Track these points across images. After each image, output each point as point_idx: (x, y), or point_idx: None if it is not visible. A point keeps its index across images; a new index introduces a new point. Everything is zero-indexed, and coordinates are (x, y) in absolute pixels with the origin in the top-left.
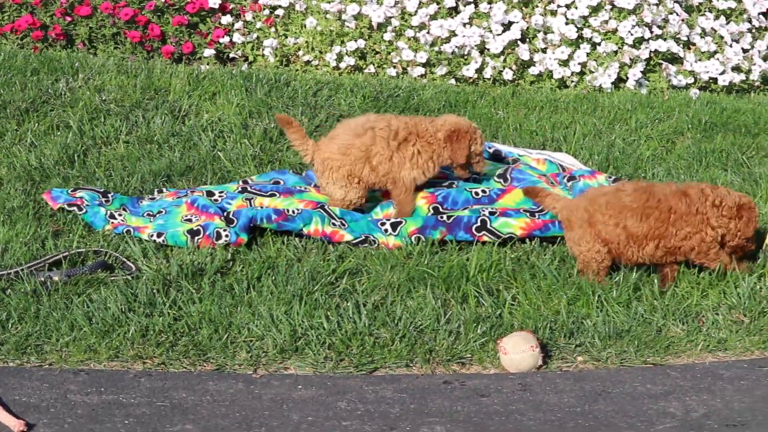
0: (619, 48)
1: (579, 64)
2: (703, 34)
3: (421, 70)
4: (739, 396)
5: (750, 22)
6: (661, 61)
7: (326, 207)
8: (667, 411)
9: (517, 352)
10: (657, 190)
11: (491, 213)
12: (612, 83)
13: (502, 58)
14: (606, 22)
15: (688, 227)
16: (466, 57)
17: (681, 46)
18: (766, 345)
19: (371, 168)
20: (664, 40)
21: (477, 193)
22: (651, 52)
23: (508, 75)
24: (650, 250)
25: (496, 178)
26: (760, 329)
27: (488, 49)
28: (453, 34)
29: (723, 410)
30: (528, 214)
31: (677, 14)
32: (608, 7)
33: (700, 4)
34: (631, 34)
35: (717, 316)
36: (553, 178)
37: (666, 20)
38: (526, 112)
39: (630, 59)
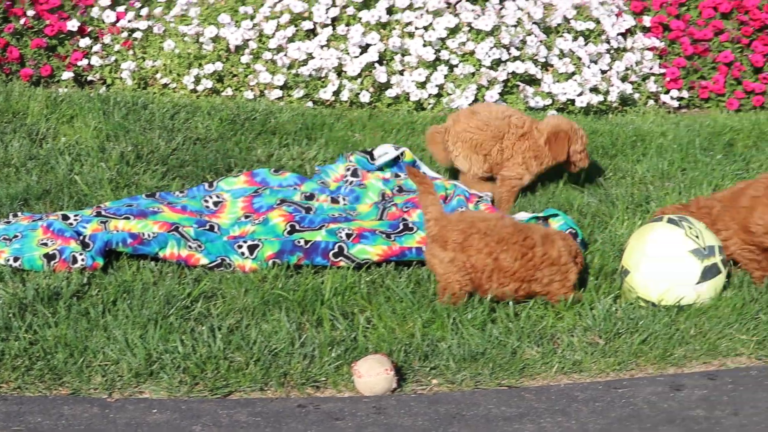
0: (477, 70)
1: (436, 86)
2: (561, 55)
3: (278, 93)
4: (594, 417)
5: (608, 42)
6: (518, 83)
7: (181, 229)
8: None
9: (372, 375)
10: (532, 232)
11: (348, 236)
12: (469, 105)
13: (359, 80)
14: (463, 44)
15: (555, 276)
16: (323, 79)
17: (539, 67)
18: (621, 367)
19: (500, 149)
20: (522, 61)
21: (334, 215)
22: (509, 73)
23: (365, 97)
24: (511, 290)
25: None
26: (615, 351)
27: (345, 72)
28: (310, 56)
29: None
30: (384, 236)
31: (535, 35)
32: (466, 29)
33: (559, 25)
34: (489, 56)
35: (572, 337)
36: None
37: (524, 42)
38: (382, 135)
39: (488, 81)
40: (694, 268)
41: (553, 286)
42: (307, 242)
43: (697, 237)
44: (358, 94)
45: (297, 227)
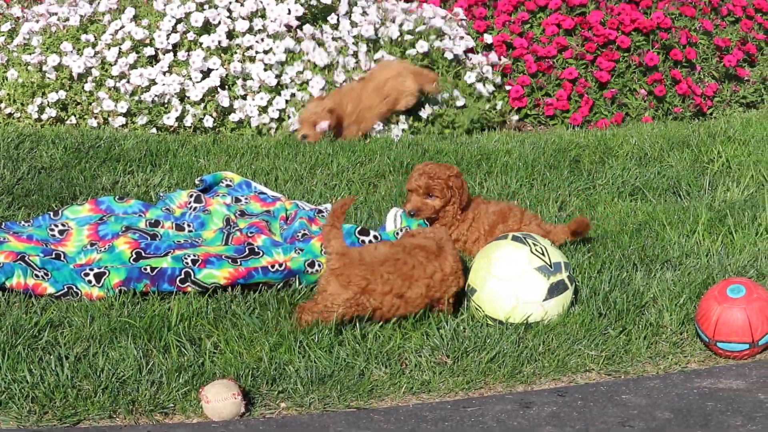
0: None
1: (278, 110)
2: None
3: (122, 120)
4: None
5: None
6: None
7: (27, 258)
8: None
9: (219, 400)
10: (430, 256)
11: (194, 261)
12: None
13: (202, 105)
14: (301, 72)
15: (452, 286)
16: (166, 105)
17: None
18: (469, 386)
19: None
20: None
21: (179, 242)
22: None
23: (208, 122)
24: (413, 311)
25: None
26: (463, 370)
27: (188, 97)
28: (153, 82)
29: None
30: (230, 260)
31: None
32: (306, 57)
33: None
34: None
35: (420, 357)
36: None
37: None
38: (227, 160)
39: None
40: (540, 285)
41: (450, 292)
42: (153, 269)
43: (542, 254)
44: (202, 119)
45: (143, 254)
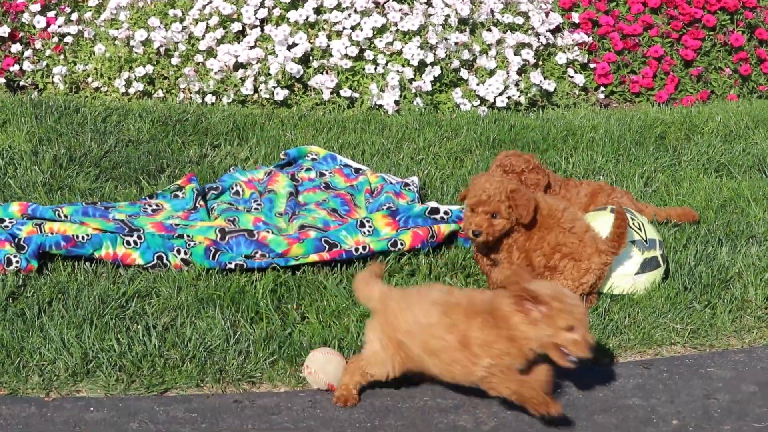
0: (404, 66)
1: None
2: (487, 49)
3: (211, 98)
4: None
5: (537, 37)
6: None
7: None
8: (458, 425)
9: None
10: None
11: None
12: (395, 101)
13: (278, 78)
14: (390, 43)
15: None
16: (244, 79)
17: (466, 67)
18: None
19: None
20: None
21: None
22: (434, 77)
23: (279, 96)
24: None
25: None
26: None
27: (270, 74)
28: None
29: (513, 421)
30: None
31: (460, 33)
32: (393, 29)
33: (485, 20)
34: (416, 56)
35: None
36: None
37: (447, 39)
38: (313, 134)
39: (415, 91)
40: (634, 259)
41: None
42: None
43: (639, 229)
44: (278, 89)
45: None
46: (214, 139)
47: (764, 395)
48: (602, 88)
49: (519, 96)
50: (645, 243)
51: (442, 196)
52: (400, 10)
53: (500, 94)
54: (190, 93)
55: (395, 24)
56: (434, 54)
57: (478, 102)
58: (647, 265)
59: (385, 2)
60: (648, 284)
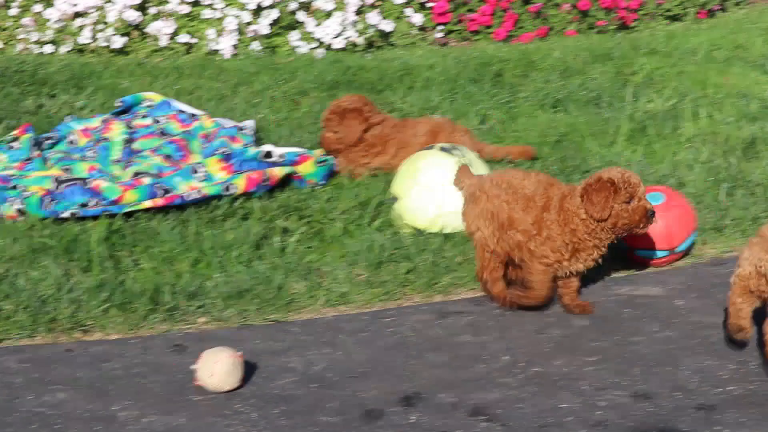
0: (241, 11)
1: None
2: None
3: (50, 48)
4: (361, 347)
5: None
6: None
7: None
8: (287, 366)
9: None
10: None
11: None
12: (233, 45)
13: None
14: None
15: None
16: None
17: (303, 9)
18: (387, 297)
19: None
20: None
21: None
22: (272, 21)
23: (117, 44)
24: None
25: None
26: (381, 282)
27: (107, 22)
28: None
29: (344, 362)
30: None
31: None
32: None
33: None
34: (249, 2)
35: (338, 270)
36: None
37: None
38: (150, 81)
39: (252, 35)
40: None
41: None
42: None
43: (469, 166)
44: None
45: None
46: (51, 89)
47: (596, 328)
48: (440, 27)
49: (357, 37)
50: None
51: (278, 139)
52: None
53: (337, 35)
54: (28, 43)
55: None
56: None
57: (316, 44)
58: None
59: None
60: None
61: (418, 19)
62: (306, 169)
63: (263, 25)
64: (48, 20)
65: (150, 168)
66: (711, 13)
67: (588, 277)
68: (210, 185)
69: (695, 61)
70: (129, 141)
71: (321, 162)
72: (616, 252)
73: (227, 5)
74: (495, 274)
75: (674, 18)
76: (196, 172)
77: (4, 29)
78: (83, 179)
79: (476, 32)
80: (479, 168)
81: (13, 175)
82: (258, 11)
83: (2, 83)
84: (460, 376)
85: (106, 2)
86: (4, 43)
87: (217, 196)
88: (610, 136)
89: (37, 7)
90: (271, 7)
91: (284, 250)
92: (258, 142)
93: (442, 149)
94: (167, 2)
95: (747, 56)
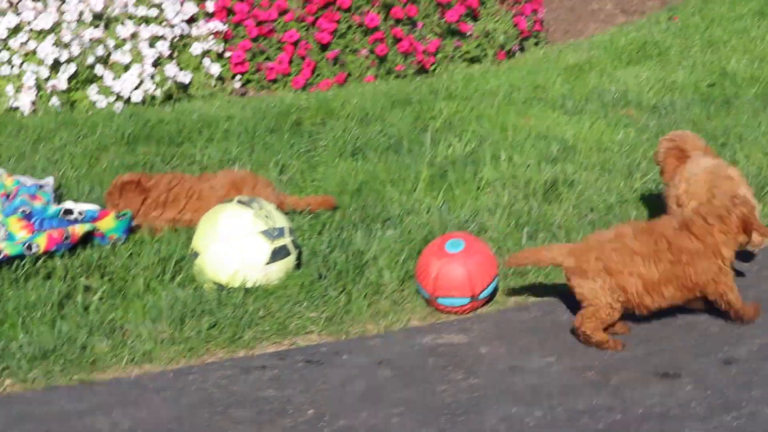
0: (39, 66)
1: None
2: (122, 43)
3: None
4: (166, 406)
5: (172, 28)
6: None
7: None
8: (95, 427)
9: None
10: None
11: None
12: (32, 102)
13: None
14: (25, 43)
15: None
16: None
17: (101, 63)
18: (191, 353)
19: None
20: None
21: None
22: (70, 76)
23: None
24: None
25: None
26: (185, 338)
27: None
28: None
29: (150, 421)
30: None
31: (94, 29)
32: (27, 28)
33: (120, 15)
34: (50, 55)
35: (141, 328)
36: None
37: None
38: None
39: (51, 90)
40: (263, 249)
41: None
42: None
43: (266, 218)
44: None
45: None
46: None
47: (400, 380)
48: (238, 77)
49: (155, 89)
50: (273, 232)
51: (79, 196)
52: (34, 8)
53: (136, 88)
54: None
55: (29, 23)
56: (69, 52)
57: (115, 98)
58: (278, 254)
59: (18, 1)
60: (281, 273)
61: (215, 69)
62: (106, 224)
63: (62, 81)
64: None
65: None
66: (510, 54)
67: (390, 327)
68: (11, 245)
69: (495, 104)
70: None
71: (120, 216)
72: (418, 301)
73: (24, 61)
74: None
75: (473, 60)
76: None
77: None
78: None
79: (275, 81)
80: (279, 220)
81: None
82: (56, 66)
83: None
84: (265, 431)
85: None
86: None
87: (20, 255)
88: (410, 182)
89: None
90: (68, 61)
91: (87, 309)
92: (59, 199)
93: (240, 202)
94: None
95: (546, 97)
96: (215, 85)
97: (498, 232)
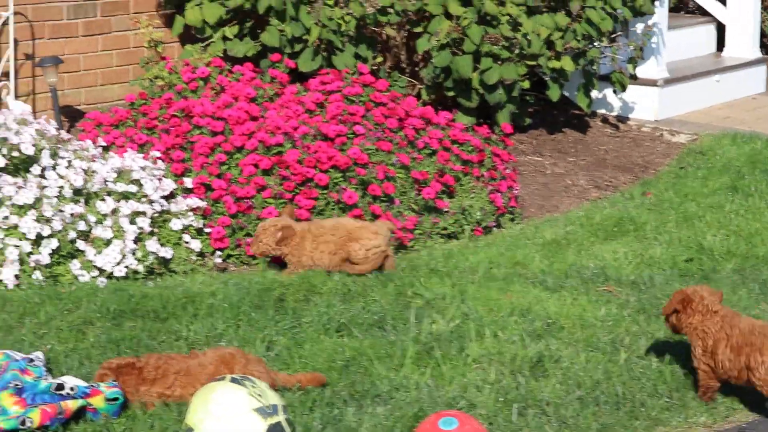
0: (21, 240)
1: None
2: (102, 219)
3: None
4: None
5: (151, 204)
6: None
7: None
8: None
9: None
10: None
11: None
12: (15, 275)
13: None
14: (6, 218)
15: None
16: None
17: (82, 238)
18: None
19: None
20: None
21: None
22: (52, 250)
23: None
24: None
25: None
26: None
27: None
28: None
29: None
30: None
31: (75, 204)
32: (9, 203)
33: (98, 191)
34: (33, 230)
35: None
36: None
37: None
38: None
39: (35, 265)
40: (258, 427)
41: None
42: None
43: (260, 396)
44: None
45: None
46: None
47: None
48: (219, 252)
49: (137, 264)
50: (267, 409)
51: (66, 370)
52: (14, 183)
53: (118, 263)
54: None
55: (10, 198)
56: (51, 227)
57: (97, 272)
58: (273, 431)
59: None
60: None
61: (196, 245)
62: (97, 403)
63: (44, 255)
64: None
65: None
66: (487, 230)
67: None
68: (5, 419)
69: (475, 280)
70: None
71: (111, 399)
72: None
73: (6, 235)
74: None
75: (450, 236)
76: None
77: None
78: None
79: (255, 257)
80: (272, 398)
81: None
82: (38, 240)
83: None
84: None
85: None
86: None
87: (14, 430)
88: (397, 359)
89: None
90: (51, 236)
91: None
92: (49, 372)
93: (233, 380)
94: None
95: (526, 272)
96: (196, 261)
97: (487, 408)
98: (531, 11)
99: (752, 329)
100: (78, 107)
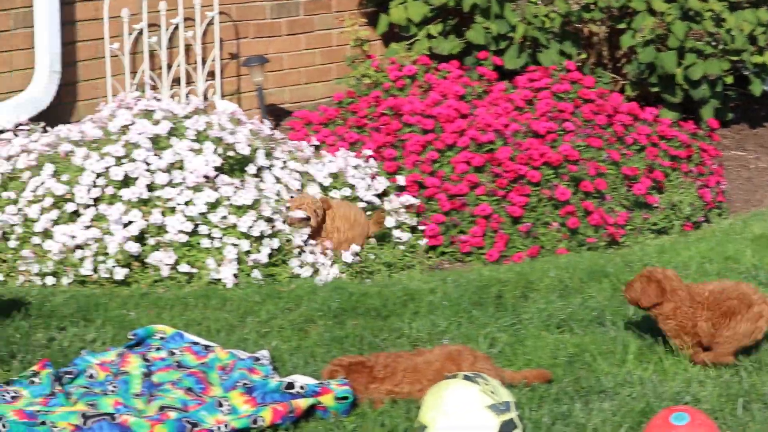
0: (240, 239)
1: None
2: None
3: (52, 280)
4: None
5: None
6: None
7: None
8: None
9: None
10: None
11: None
12: (234, 275)
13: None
14: (225, 217)
15: None
16: (83, 259)
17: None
18: None
19: None
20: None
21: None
22: (273, 249)
23: (119, 275)
24: None
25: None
26: None
27: (108, 253)
28: (74, 238)
29: None
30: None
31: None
32: (227, 203)
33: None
34: (252, 229)
35: None
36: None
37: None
38: (157, 311)
39: (253, 263)
40: (491, 424)
41: None
42: None
43: (492, 392)
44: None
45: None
46: (60, 321)
47: None
48: (433, 250)
49: (351, 260)
50: (500, 406)
51: (293, 369)
52: (231, 183)
53: (334, 262)
54: (29, 275)
55: (228, 198)
56: (272, 226)
57: (311, 270)
58: (505, 428)
59: (215, 177)
60: None
61: (406, 238)
62: (327, 401)
63: (263, 254)
64: (48, 252)
65: (174, 402)
66: (696, 225)
67: None
68: (236, 418)
69: (688, 275)
70: (147, 374)
71: (341, 398)
72: None
73: (225, 234)
74: None
75: (661, 231)
76: (221, 405)
77: (4, 261)
78: (111, 414)
79: (469, 253)
80: (504, 395)
81: (39, 411)
82: (259, 239)
83: (11, 317)
84: None
85: (105, 233)
86: (5, 276)
87: (246, 429)
88: (619, 354)
89: (36, 239)
90: (272, 236)
91: None
92: (276, 371)
93: (465, 377)
94: (166, 232)
95: (738, 267)
96: (411, 258)
97: (710, 403)
98: (733, 7)
99: None
100: (282, 106)
